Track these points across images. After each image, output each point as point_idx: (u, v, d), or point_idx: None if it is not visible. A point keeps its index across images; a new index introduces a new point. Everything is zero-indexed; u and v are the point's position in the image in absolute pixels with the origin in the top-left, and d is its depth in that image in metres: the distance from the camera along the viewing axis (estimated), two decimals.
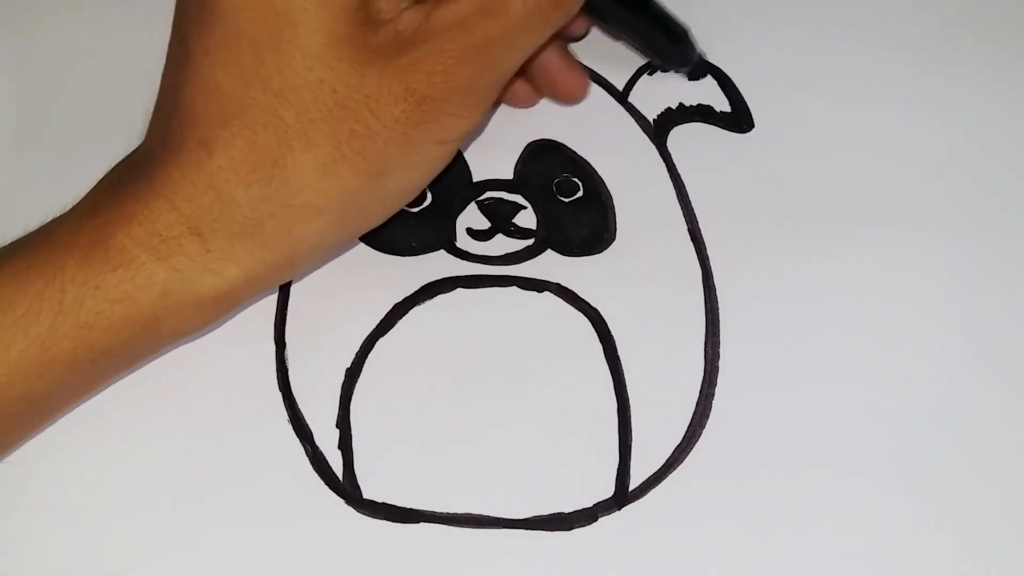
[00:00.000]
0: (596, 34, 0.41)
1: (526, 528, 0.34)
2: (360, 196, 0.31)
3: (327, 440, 0.36)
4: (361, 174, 0.31)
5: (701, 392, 0.36)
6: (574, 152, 0.39)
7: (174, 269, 0.31)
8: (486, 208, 0.38)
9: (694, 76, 0.40)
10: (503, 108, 0.40)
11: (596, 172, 0.39)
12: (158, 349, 0.34)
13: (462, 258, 0.38)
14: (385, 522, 0.35)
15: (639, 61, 0.41)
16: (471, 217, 0.38)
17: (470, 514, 0.35)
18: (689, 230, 0.38)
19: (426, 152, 0.32)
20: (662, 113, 0.40)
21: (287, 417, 0.36)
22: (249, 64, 0.30)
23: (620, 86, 0.40)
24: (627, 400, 0.36)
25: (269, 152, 0.30)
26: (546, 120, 0.39)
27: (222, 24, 0.30)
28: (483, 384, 0.36)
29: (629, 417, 0.36)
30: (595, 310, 0.37)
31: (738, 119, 0.40)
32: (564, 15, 0.32)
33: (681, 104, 0.40)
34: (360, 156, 0.30)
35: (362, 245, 0.38)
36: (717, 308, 0.37)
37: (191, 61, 0.30)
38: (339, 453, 0.35)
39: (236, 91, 0.30)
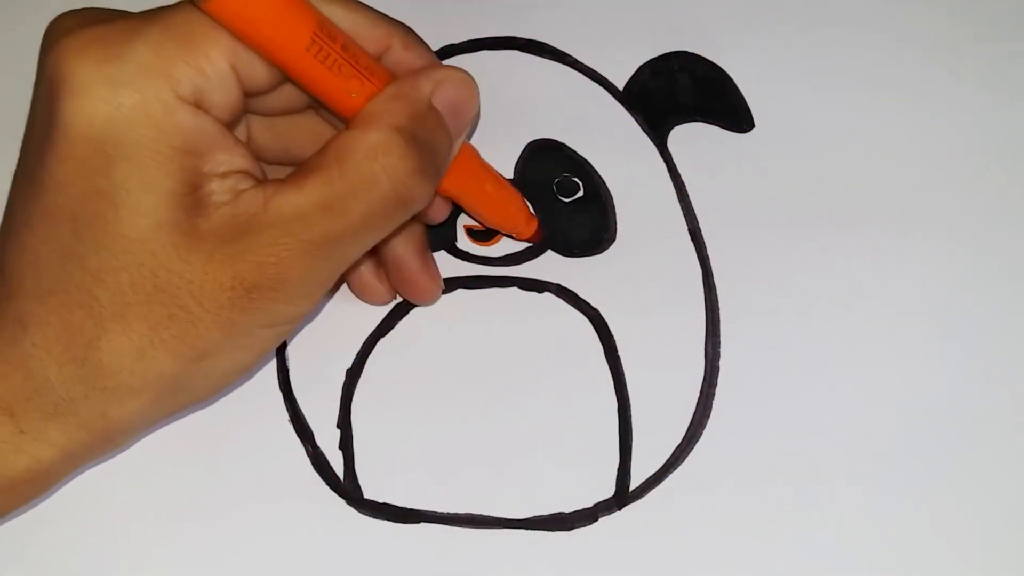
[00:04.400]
0: (597, 29, 0.41)
1: (526, 528, 0.35)
2: (179, 378, 0.30)
3: (328, 440, 0.36)
4: (180, 358, 0.29)
5: (701, 392, 0.36)
6: (574, 152, 0.39)
7: None
8: None
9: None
10: (503, 107, 0.40)
11: (596, 172, 0.39)
12: None
13: (462, 259, 0.38)
14: (386, 522, 0.35)
15: (639, 60, 0.41)
16: (471, 217, 0.38)
17: (470, 514, 0.35)
18: (689, 230, 0.38)
19: (254, 336, 0.30)
20: (662, 113, 0.40)
21: (288, 417, 0.36)
22: (68, 241, 0.28)
23: (620, 86, 0.40)
24: (627, 400, 0.36)
25: (84, 333, 0.29)
26: (546, 120, 0.39)
27: (44, 197, 0.28)
28: (483, 384, 0.36)
29: (629, 417, 0.36)
30: (595, 310, 0.37)
31: (738, 119, 0.40)
32: (407, 213, 0.30)
33: (681, 104, 0.40)
34: (179, 340, 0.29)
35: None
36: (717, 308, 0.37)
37: (14, 230, 0.29)
38: (340, 453, 0.36)
39: (54, 267, 0.29)
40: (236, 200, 0.29)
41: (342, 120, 0.31)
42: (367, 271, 0.36)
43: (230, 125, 0.30)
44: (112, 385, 0.29)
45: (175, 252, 0.28)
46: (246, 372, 0.32)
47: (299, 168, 0.29)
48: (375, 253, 0.36)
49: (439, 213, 0.36)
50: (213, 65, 0.28)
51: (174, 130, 0.28)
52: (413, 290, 0.36)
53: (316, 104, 0.33)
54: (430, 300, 0.37)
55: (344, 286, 0.37)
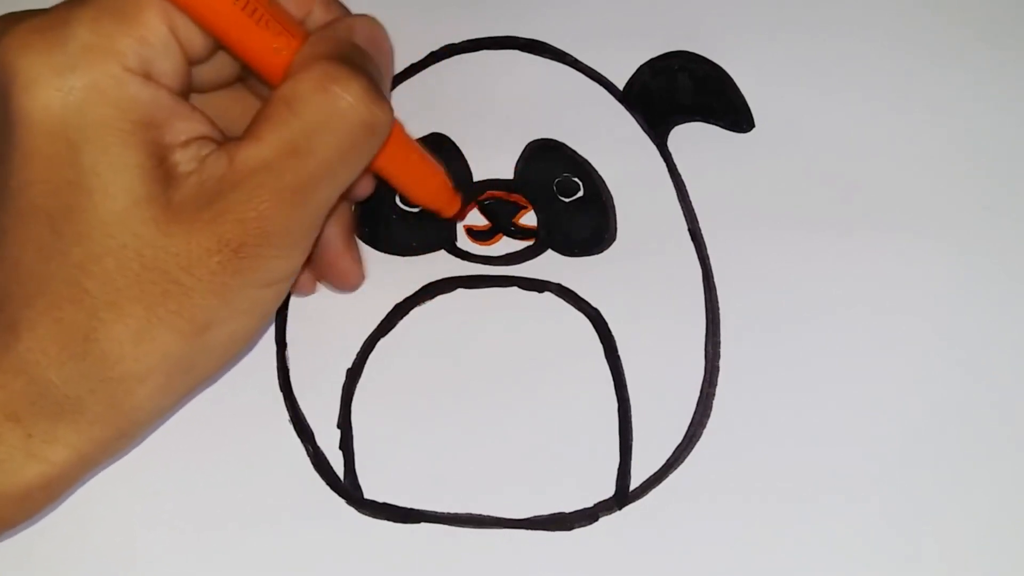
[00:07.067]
0: (597, 29, 0.41)
1: (526, 528, 0.35)
2: (185, 355, 0.30)
3: (328, 440, 0.36)
4: (181, 333, 0.29)
5: (701, 392, 0.36)
6: (574, 152, 0.39)
7: None
8: (487, 208, 0.38)
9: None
10: (504, 107, 0.40)
11: (596, 172, 0.39)
12: None
13: (463, 258, 0.38)
14: (386, 522, 0.35)
15: (640, 60, 0.41)
16: (471, 217, 0.38)
17: (470, 514, 0.35)
18: (689, 230, 0.38)
19: (251, 298, 0.30)
20: (662, 113, 0.40)
21: (288, 418, 0.36)
22: (47, 239, 0.28)
23: (620, 86, 0.40)
24: (627, 400, 0.36)
25: (78, 327, 0.28)
26: (546, 120, 0.39)
27: (15, 201, 0.28)
28: (483, 384, 0.36)
29: (629, 417, 0.36)
30: (595, 310, 0.37)
31: (738, 119, 0.40)
32: (377, 143, 0.30)
33: (681, 104, 0.40)
34: (177, 315, 0.29)
35: (363, 245, 0.38)
36: (717, 308, 0.37)
37: None
38: (340, 453, 0.36)
39: (36, 268, 0.28)
40: (202, 166, 0.29)
41: (268, 84, 0.30)
42: None
43: (180, 94, 0.30)
44: (117, 375, 0.29)
45: (156, 227, 0.28)
46: (249, 341, 0.32)
47: (251, 123, 0.29)
48: None
49: (364, 189, 0.35)
50: (154, 33, 0.28)
51: (130, 104, 0.28)
52: (334, 273, 0.36)
53: (246, 72, 0.33)
54: (352, 286, 0.37)
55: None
